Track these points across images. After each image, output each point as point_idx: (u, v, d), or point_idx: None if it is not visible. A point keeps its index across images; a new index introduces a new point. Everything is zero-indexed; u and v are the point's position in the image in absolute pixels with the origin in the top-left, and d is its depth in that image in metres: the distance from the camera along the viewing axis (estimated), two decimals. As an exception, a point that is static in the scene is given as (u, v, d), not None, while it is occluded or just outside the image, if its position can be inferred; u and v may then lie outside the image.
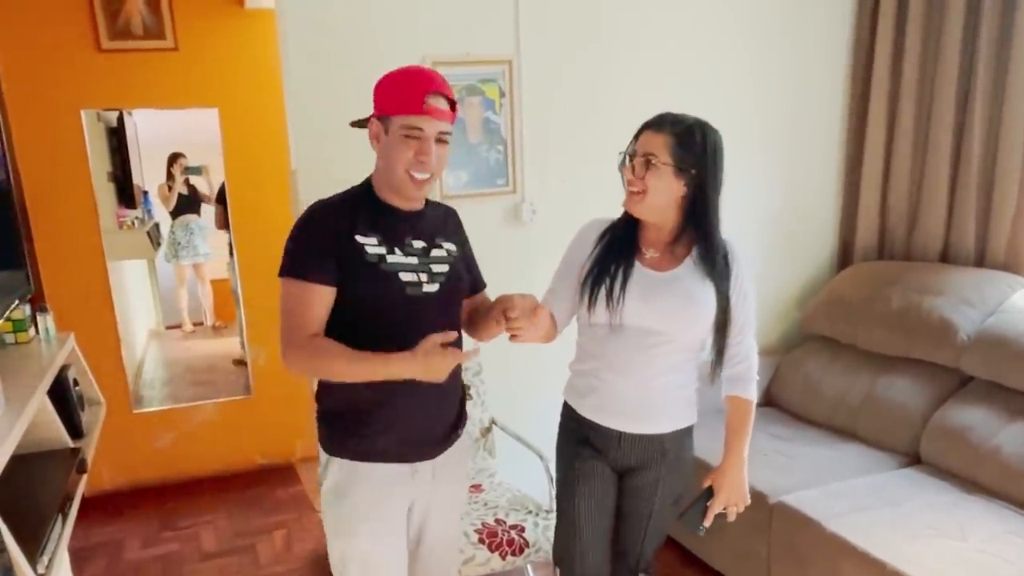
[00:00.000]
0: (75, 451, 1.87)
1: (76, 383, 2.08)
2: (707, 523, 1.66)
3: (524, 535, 2.13)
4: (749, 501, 1.70)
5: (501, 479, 2.45)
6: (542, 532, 2.15)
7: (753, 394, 1.67)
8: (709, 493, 1.66)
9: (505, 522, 2.16)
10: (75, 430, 1.97)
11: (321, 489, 1.54)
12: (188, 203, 3.88)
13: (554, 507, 2.21)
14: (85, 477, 1.87)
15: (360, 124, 1.49)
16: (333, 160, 2.32)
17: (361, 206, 1.44)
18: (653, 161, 1.52)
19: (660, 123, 1.54)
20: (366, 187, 1.49)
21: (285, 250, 1.43)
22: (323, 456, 1.53)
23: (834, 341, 2.82)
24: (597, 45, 2.63)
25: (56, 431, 1.86)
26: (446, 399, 1.54)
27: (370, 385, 1.41)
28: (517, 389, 2.62)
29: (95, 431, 2.09)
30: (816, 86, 2.98)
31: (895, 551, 1.88)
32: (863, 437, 2.58)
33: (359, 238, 1.41)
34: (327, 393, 1.52)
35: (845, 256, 3.12)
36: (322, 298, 1.39)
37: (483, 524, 2.14)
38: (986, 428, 2.25)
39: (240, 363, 3.86)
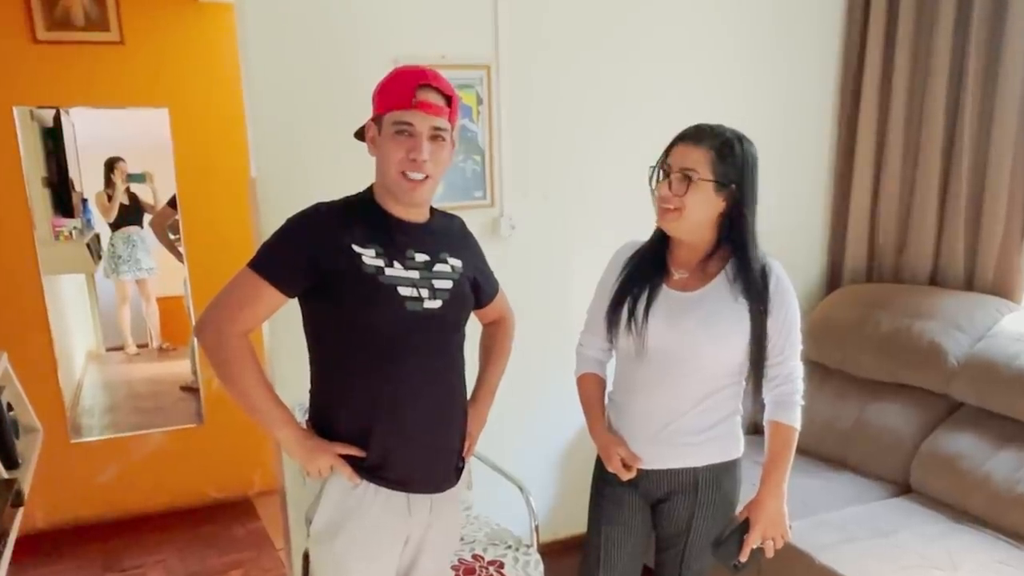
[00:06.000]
0: (10, 482, 1.79)
1: (10, 408, 2.00)
2: (743, 558, 1.64)
3: (503, 571, 2.11)
4: (790, 536, 1.66)
5: (479, 512, 2.43)
6: (522, 568, 2.13)
7: (796, 421, 1.63)
8: (746, 525, 1.64)
9: (484, 558, 2.14)
10: (9, 459, 1.90)
11: (311, 527, 1.51)
12: (130, 213, 3.76)
13: (535, 541, 2.22)
14: (21, 511, 1.80)
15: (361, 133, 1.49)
16: (298, 168, 2.30)
17: (361, 214, 1.44)
18: (693, 177, 1.49)
19: (698, 135, 1.52)
20: (368, 195, 1.48)
21: (266, 242, 1.43)
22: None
23: (823, 366, 2.87)
24: (584, 54, 2.64)
25: (-12, 461, 1.79)
26: (452, 429, 1.54)
27: (368, 401, 1.43)
28: (497, 419, 2.58)
29: (32, 460, 2.01)
30: (805, 107, 3.05)
31: (888, 584, 1.92)
32: (853, 465, 2.64)
33: (356, 247, 1.40)
34: (317, 407, 1.51)
35: (834, 278, 3.19)
36: (271, 302, 1.41)
37: (460, 560, 2.12)
38: (976, 455, 2.32)
39: (189, 389, 3.74)
